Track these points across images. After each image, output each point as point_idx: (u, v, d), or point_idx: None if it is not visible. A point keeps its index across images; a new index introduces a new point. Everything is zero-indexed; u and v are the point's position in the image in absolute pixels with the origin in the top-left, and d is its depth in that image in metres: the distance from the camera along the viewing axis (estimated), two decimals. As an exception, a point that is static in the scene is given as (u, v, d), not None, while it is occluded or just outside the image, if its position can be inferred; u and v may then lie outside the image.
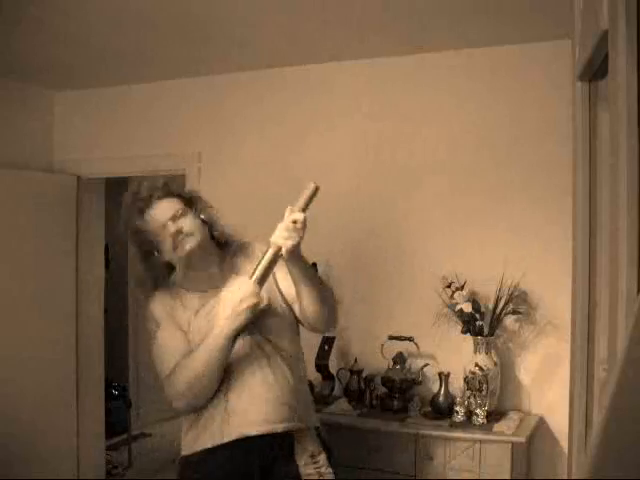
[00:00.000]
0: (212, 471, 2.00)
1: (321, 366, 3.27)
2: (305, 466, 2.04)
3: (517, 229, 3.11)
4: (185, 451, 2.08)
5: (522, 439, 2.74)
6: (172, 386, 1.96)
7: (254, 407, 1.97)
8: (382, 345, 3.19)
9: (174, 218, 2.03)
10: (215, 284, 2.06)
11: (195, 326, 2.03)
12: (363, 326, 3.37)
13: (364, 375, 3.22)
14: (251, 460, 1.98)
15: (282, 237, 1.91)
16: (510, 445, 2.71)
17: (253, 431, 1.96)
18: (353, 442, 2.93)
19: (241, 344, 1.99)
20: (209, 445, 1.99)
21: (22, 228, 3.76)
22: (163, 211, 2.05)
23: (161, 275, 2.10)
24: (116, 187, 5.23)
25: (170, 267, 2.11)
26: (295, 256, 1.95)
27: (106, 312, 4.41)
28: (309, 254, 3.37)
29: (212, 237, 2.14)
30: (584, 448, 2.04)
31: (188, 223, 2.04)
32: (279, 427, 1.98)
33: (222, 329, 1.91)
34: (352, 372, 3.23)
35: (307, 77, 3.55)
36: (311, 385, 3.28)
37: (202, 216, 2.11)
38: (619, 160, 1.36)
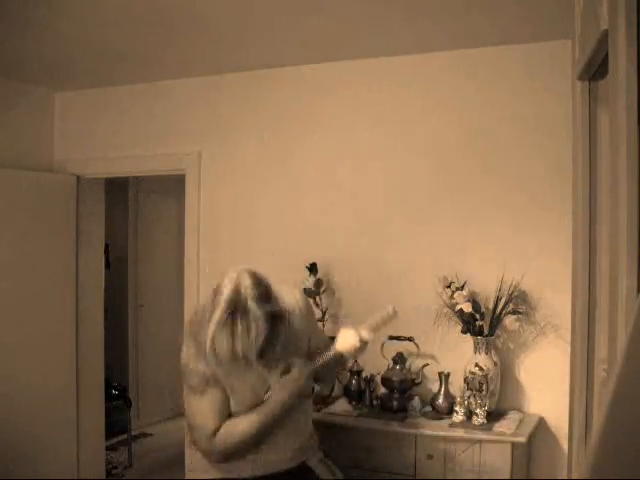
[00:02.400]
0: None
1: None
2: (323, 473, 2.28)
3: (517, 229, 3.11)
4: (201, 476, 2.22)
5: (522, 439, 2.74)
6: (219, 444, 2.08)
7: (283, 453, 2.17)
8: (382, 345, 3.18)
9: None
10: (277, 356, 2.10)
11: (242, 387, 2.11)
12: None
13: (364, 375, 3.21)
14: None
15: (350, 350, 2.13)
16: (510, 445, 2.71)
17: (281, 469, 2.17)
18: (353, 442, 2.93)
19: None
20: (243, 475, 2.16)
21: (22, 228, 3.76)
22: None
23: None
24: (116, 187, 5.26)
25: None
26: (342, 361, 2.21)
27: (106, 312, 4.41)
28: (309, 254, 3.40)
29: None
30: (584, 448, 2.04)
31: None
32: (297, 462, 2.22)
33: (282, 401, 2.08)
34: (352, 372, 3.23)
35: (307, 77, 3.55)
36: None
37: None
38: (619, 160, 1.36)
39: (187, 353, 2.07)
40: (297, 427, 2.21)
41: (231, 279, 1.90)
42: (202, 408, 2.09)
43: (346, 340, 2.10)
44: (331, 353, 2.11)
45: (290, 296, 2.17)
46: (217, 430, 2.07)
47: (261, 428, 2.08)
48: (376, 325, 2.15)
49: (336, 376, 2.47)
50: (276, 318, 1.92)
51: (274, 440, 2.14)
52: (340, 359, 2.15)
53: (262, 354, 1.93)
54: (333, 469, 2.34)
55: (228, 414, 2.09)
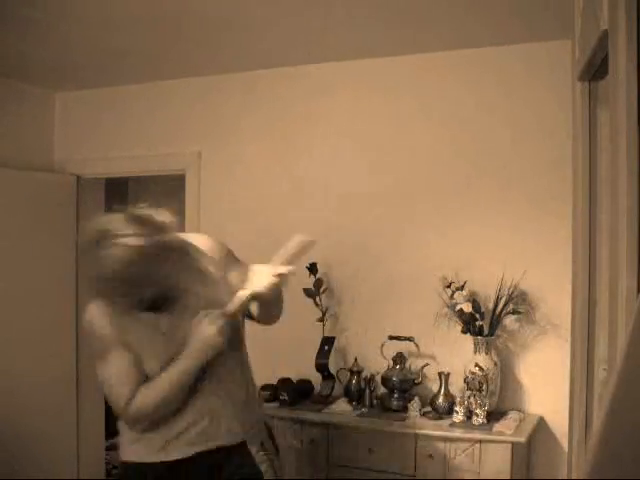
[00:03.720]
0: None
1: (321, 366, 3.26)
2: (256, 454, 2.05)
3: (517, 229, 3.11)
4: (131, 457, 2.03)
5: (522, 439, 2.74)
6: (135, 411, 1.92)
7: (205, 424, 1.97)
8: (382, 345, 3.18)
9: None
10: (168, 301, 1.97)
11: (152, 342, 1.96)
12: (363, 326, 3.37)
13: (364, 375, 3.21)
14: (202, 472, 1.99)
15: (267, 287, 1.90)
16: (510, 445, 2.71)
17: (203, 448, 1.97)
18: (353, 442, 2.93)
19: None
20: (154, 459, 1.97)
21: (22, 228, 3.76)
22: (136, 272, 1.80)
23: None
24: (116, 187, 5.25)
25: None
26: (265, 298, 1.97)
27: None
28: (309, 254, 3.38)
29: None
30: (584, 448, 2.04)
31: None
32: (233, 441, 2.00)
33: (195, 357, 1.90)
34: (352, 372, 3.23)
35: (307, 77, 3.55)
36: (311, 385, 3.29)
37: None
38: (619, 159, 1.36)
39: (91, 313, 1.95)
40: (226, 390, 2.00)
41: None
42: (111, 374, 1.94)
43: (261, 276, 1.90)
44: (246, 294, 1.90)
45: (200, 241, 2.03)
46: (132, 397, 1.91)
47: (174, 391, 1.90)
48: (290, 255, 1.96)
49: (278, 306, 2.13)
50: (157, 255, 1.74)
51: (199, 406, 1.96)
52: (260, 299, 1.93)
53: (158, 303, 1.86)
54: (277, 469, 2.12)
55: (142, 377, 1.92)
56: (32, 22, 2.84)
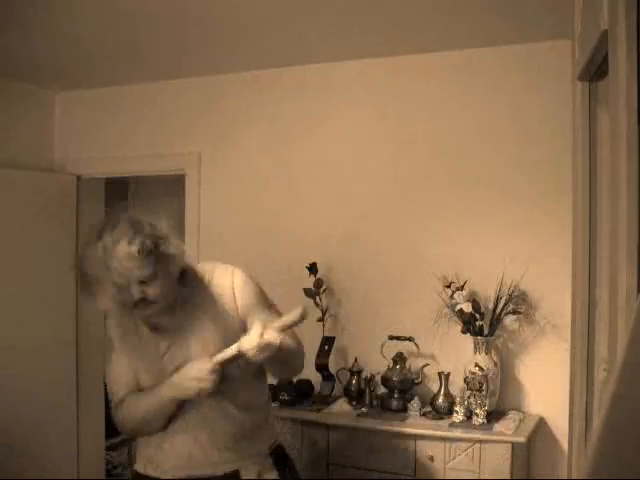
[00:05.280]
0: None
1: (321, 366, 3.26)
2: None
3: (517, 229, 3.11)
4: (138, 468, 2.09)
5: (522, 439, 2.74)
6: (121, 416, 1.99)
7: (198, 452, 1.97)
8: (382, 345, 3.18)
9: (140, 282, 1.80)
10: (174, 325, 1.97)
11: (147, 356, 1.98)
12: (363, 326, 3.37)
13: (364, 375, 3.22)
14: None
15: (252, 349, 1.84)
16: (510, 445, 2.71)
17: (195, 474, 1.98)
18: (353, 442, 2.93)
19: None
20: (155, 475, 2.01)
21: (22, 228, 3.76)
22: (129, 269, 1.77)
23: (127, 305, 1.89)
24: (116, 187, 5.25)
25: None
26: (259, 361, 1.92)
27: (106, 312, 4.40)
28: (309, 254, 3.39)
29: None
30: (584, 448, 2.04)
31: (155, 289, 1.82)
32: (222, 470, 1.99)
33: (172, 392, 1.90)
34: (352, 372, 3.23)
35: (307, 77, 3.55)
36: (311, 385, 3.29)
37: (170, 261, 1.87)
38: (619, 160, 1.36)
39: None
40: (215, 424, 1.97)
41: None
42: (112, 371, 2.01)
43: (250, 338, 1.86)
44: (234, 348, 1.88)
45: (226, 277, 2.00)
46: (123, 400, 1.96)
47: (154, 414, 1.92)
48: (283, 326, 1.93)
49: (288, 368, 2.13)
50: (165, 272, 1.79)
51: (186, 436, 1.96)
52: (248, 357, 1.88)
53: (161, 323, 1.89)
54: None
55: (136, 384, 1.97)
56: (33, 22, 2.84)
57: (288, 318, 1.94)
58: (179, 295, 1.93)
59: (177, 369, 1.91)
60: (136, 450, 2.13)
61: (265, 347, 1.84)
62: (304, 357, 2.15)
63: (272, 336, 1.85)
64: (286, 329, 1.94)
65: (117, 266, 1.74)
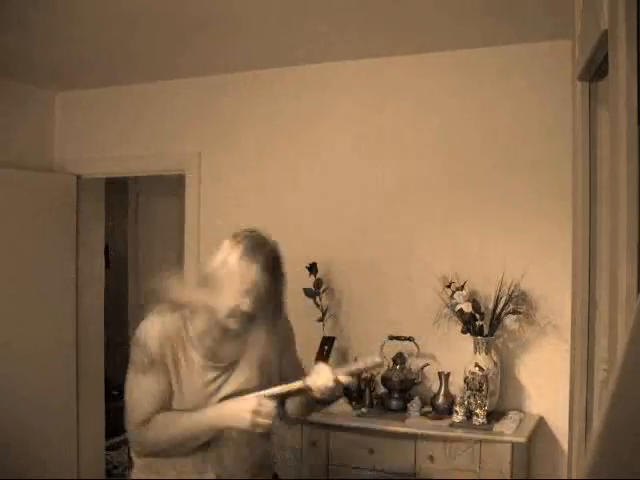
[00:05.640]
0: None
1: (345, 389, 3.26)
2: None
3: (517, 229, 3.11)
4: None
5: (522, 439, 2.74)
6: (150, 433, 1.94)
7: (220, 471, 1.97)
8: (382, 345, 3.18)
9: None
10: (230, 355, 1.99)
11: (191, 382, 1.95)
12: (363, 326, 3.37)
13: (364, 375, 3.21)
14: None
15: (319, 389, 1.92)
16: (510, 445, 2.71)
17: None
18: (353, 442, 2.93)
19: None
20: None
21: (22, 228, 3.76)
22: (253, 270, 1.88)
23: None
24: (116, 187, 5.25)
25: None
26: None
27: (106, 312, 4.41)
28: (309, 254, 3.39)
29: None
30: (584, 448, 2.04)
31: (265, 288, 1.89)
32: None
33: (221, 420, 1.90)
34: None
35: (307, 77, 3.55)
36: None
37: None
38: (619, 160, 1.36)
39: (147, 326, 1.93)
40: (240, 452, 1.99)
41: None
42: (141, 388, 1.92)
43: (320, 377, 1.91)
44: (298, 383, 1.92)
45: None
46: (151, 417, 1.90)
47: (185, 437, 1.91)
48: (357, 371, 2.02)
49: (305, 412, 2.21)
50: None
51: (202, 456, 1.96)
52: (307, 394, 1.95)
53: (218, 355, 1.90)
54: None
55: (167, 405, 1.92)
56: (33, 22, 2.84)
57: (364, 363, 2.01)
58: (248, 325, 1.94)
59: (225, 398, 1.93)
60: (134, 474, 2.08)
61: (334, 388, 1.93)
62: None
63: (347, 379, 1.97)
64: (356, 374, 2.02)
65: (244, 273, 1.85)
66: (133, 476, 2.09)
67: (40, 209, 3.85)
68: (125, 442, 4.98)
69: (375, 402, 3.14)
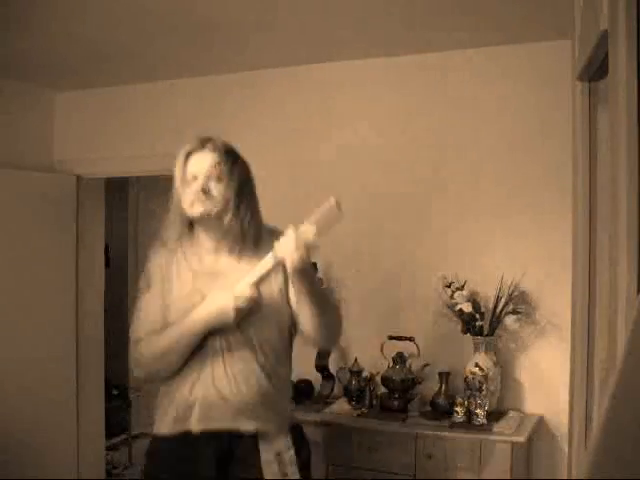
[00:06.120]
0: (166, 457, 2.00)
1: (321, 366, 3.26)
2: (268, 464, 1.94)
3: (517, 229, 3.11)
4: (155, 430, 2.06)
5: (522, 439, 2.74)
6: (138, 353, 1.99)
7: (214, 402, 1.93)
8: (382, 345, 3.18)
9: (208, 176, 1.95)
10: (217, 260, 2.01)
11: (180, 292, 2.00)
12: (363, 326, 3.37)
13: (364, 375, 3.21)
14: (208, 452, 1.94)
15: (287, 250, 1.80)
16: (510, 445, 2.71)
17: (209, 426, 1.93)
18: (353, 442, 2.93)
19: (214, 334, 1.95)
20: (165, 431, 1.99)
21: (22, 228, 3.76)
22: (201, 163, 1.98)
23: (176, 232, 2.04)
24: (116, 187, 5.25)
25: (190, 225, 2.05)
26: (299, 272, 1.85)
27: (106, 312, 4.41)
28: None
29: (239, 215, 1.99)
30: (584, 448, 2.04)
31: (218, 187, 1.94)
32: (242, 427, 1.93)
33: (203, 318, 1.89)
34: (352, 372, 3.23)
35: (307, 77, 3.55)
36: (311, 385, 3.29)
37: (237, 187, 1.99)
38: (619, 160, 1.36)
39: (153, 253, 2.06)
40: (230, 378, 1.92)
41: None
42: (140, 310, 2.02)
43: (283, 243, 1.81)
44: (270, 260, 1.82)
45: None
46: (143, 338, 1.96)
47: (172, 347, 1.89)
48: (317, 220, 1.85)
49: (326, 318, 1.98)
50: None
51: (207, 383, 1.92)
52: (280, 263, 1.84)
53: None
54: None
55: (162, 326, 1.95)
56: (33, 22, 2.84)
57: (321, 209, 1.87)
58: (244, 242, 1.97)
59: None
60: (158, 414, 2.03)
61: (302, 244, 1.80)
62: (342, 322, 2.09)
63: (308, 229, 1.82)
64: (321, 224, 1.85)
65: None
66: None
67: (40, 209, 3.85)
68: (125, 442, 4.99)
69: (375, 402, 3.14)
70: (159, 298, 2.01)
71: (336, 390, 3.29)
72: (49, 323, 3.86)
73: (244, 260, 2.00)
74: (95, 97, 4.08)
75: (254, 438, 1.95)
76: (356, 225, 3.42)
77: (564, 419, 2.61)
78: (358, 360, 3.27)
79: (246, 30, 3.00)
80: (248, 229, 2.01)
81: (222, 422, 1.94)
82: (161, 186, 5.98)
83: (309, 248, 1.82)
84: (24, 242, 3.76)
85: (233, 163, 2.01)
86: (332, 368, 3.31)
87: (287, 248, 1.81)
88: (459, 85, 3.25)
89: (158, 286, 2.02)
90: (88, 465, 4.11)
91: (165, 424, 1.99)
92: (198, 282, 1.99)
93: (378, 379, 3.18)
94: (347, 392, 3.21)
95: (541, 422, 3.02)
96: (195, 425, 1.94)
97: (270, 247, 1.90)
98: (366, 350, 3.30)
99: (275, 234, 1.95)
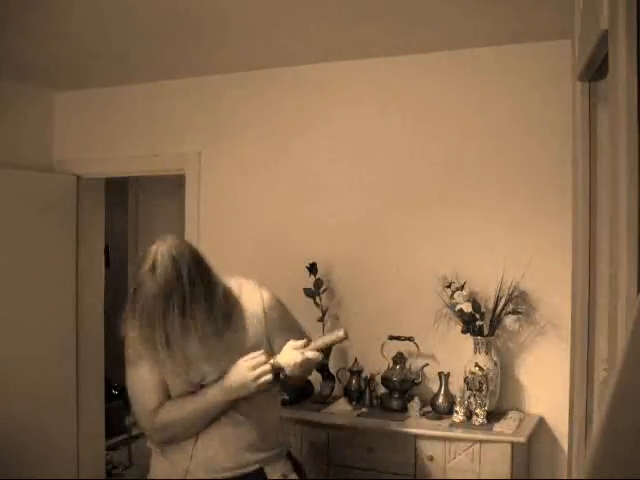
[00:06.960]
0: None
1: (321, 366, 3.26)
2: None
3: (517, 229, 3.11)
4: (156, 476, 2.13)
5: (522, 439, 2.74)
6: (159, 423, 2.01)
7: (223, 453, 2.03)
8: (382, 345, 3.18)
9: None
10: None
11: (176, 370, 2.01)
12: (363, 326, 3.36)
13: (364, 375, 3.21)
14: None
15: (288, 364, 2.02)
16: (510, 445, 2.71)
17: (220, 476, 2.04)
18: (353, 442, 2.93)
19: None
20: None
21: (22, 228, 3.76)
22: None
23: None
24: (116, 187, 5.25)
25: None
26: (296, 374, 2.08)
27: (106, 312, 4.41)
28: (309, 254, 3.39)
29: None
30: (584, 448, 2.04)
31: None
32: (247, 470, 2.06)
33: (228, 392, 1.98)
34: (352, 372, 3.23)
35: (307, 77, 3.55)
36: (311, 385, 3.29)
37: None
38: (619, 159, 1.36)
39: (125, 323, 1.98)
40: (237, 428, 2.06)
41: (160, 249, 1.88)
42: (139, 380, 2.02)
43: (288, 354, 2.02)
44: (270, 362, 2.02)
45: (254, 293, 2.09)
46: (157, 406, 2.00)
47: (198, 417, 2.00)
48: (323, 345, 2.10)
49: (302, 382, 2.41)
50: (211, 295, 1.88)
51: (216, 436, 2.04)
52: (283, 372, 2.04)
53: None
54: None
55: (168, 393, 2.02)
56: (32, 22, 2.84)
57: (329, 338, 2.09)
58: (218, 310, 1.95)
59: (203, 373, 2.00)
60: (153, 462, 2.12)
61: (305, 364, 2.02)
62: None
63: (314, 355, 2.03)
64: (326, 345, 2.09)
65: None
66: (151, 464, 2.14)
67: (40, 209, 3.85)
68: (125, 442, 4.99)
69: (375, 402, 3.15)
70: (155, 364, 1.99)
71: (336, 390, 3.29)
72: (49, 323, 3.86)
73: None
74: (94, 97, 4.08)
75: (261, 472, 2.09)
76: (356, 225, 3.42)
77: (564, 419, 2.61)
78: (358, 360, 3.27)
79: (246, 30, 3.00)
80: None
81: (232, 471, 2.05)
82: (161, 186, 6.02)
83: (310, 366, 2.10)
84: (24, 242, 3.76)
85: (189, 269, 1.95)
86: (332, 368, 3.31)
87: (287, 360, 2.03)
88: (459, 84, 3.24)
89: (152, 352, 1.96)
90: (88, 465, 4.11)
91: (174, 473, 2.06)
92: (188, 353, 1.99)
93: (378, 379, 3.18)
94: (347, 392, 3.21)
95: (541, 422, 3.02)
96: (206, 475, 2.03)
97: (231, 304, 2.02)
98: (366, 350, 3.30)
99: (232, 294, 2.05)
